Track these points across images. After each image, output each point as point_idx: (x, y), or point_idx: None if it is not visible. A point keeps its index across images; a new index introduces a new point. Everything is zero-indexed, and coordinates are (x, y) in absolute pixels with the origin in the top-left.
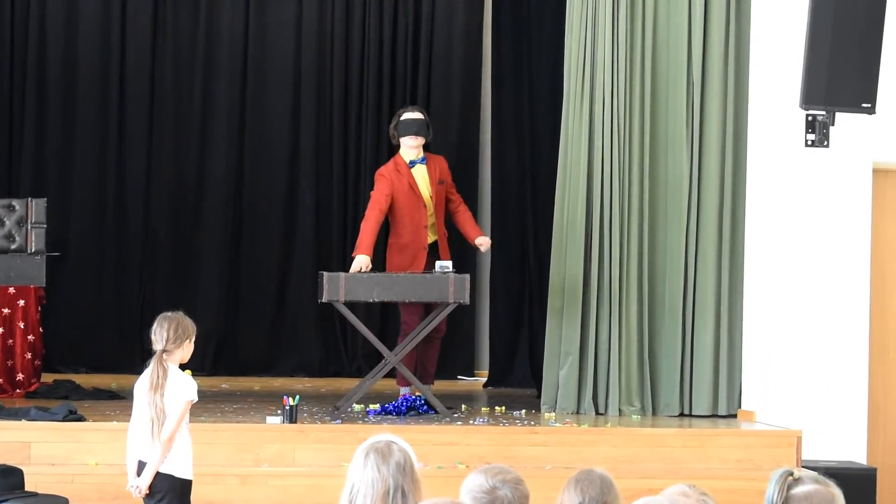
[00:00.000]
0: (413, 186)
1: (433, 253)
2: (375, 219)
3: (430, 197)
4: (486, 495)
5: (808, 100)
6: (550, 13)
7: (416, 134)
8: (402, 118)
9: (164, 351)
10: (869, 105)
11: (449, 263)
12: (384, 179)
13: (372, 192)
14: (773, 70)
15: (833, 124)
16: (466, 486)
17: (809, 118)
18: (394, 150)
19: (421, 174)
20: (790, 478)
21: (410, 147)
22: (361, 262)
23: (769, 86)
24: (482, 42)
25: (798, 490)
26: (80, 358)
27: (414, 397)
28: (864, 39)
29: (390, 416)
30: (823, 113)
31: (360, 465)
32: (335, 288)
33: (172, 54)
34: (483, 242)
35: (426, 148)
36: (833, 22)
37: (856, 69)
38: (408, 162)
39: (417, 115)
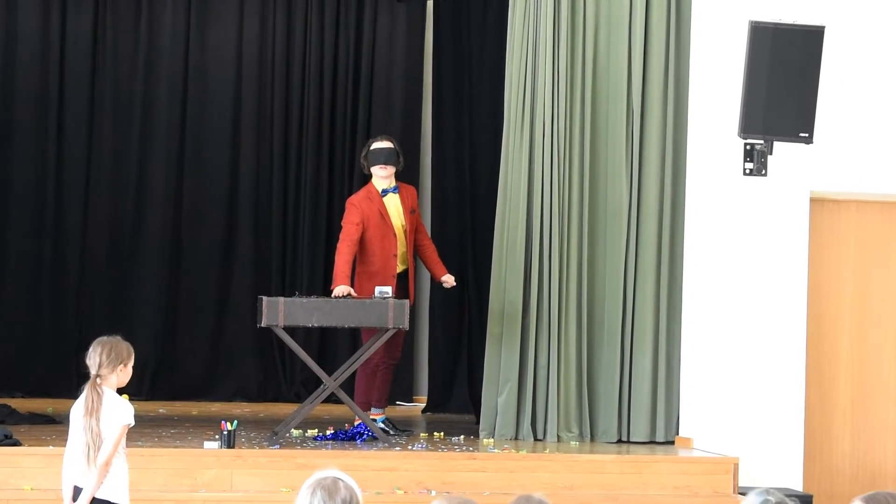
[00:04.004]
0: (384, 215)
1: (402, 282)
2: (348, 250)
3: (402, 226)
4: None
5: (746, 129)
6: (491, 39)
7: (385, 163)
8: (371, 148)
9: (97, 376)
10: (806, 135)
11: (388, 289)
12: (354, 208)
13: (342, 222)
14: (712, 98)
15: (771, 153)
16: None
17: (748, 147)
18: (334, 171)
19: (393, 203)
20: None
21: (381, 176)
22: (343, 290)
23: (708, 114)
24: (423, 67)
25: None
26: (16, 382)
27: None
28: (802, 69)
29: (329, 441)
30: (761, 142)
31: (307, 501)
32: (274, 312)
33: (112, 76)
34: (449, 280)
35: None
36: (771, 52)
37: (793, 99)
38: (380, 191)
39: (386, 145)
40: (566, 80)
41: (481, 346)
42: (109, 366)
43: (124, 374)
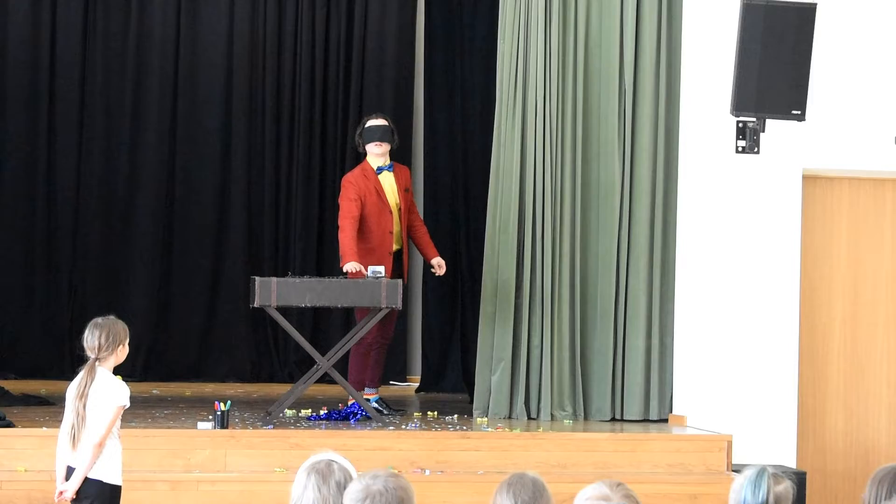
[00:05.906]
0: (380, 192)
1: (396, 261)
2: (351, 226)
3: (397, 204)
4: (361, 493)
5: (738, 106)
6: (483, 19)
7: (380, 140)
8: (366, 125)
9: (96, 359)
10: (799, 112)
11: (382, 268)
12: (350, 185)
13: (340, 201)
14: (705, 76)
15: (763, 131)
16: (348, 491)
17: (740, 125)
18: (326, 152)
19: (388, 181)
20: (771, 476)
21: (376, 154)
22: (354, 267)
23: (700, 92)
24: (415, 49)
25: (780, 488)
26: (9, 363)
27: (355, 405)
28: (795, 47)
29: (323, 421)
30: (754, 119)
31: (302, 485)
32: (267, 293)
33: (103, 59)
34: (440, 264)
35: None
36: (764, 29)
37: (786, 76)
38: (375, 168)
39: (381, 122)
40: (558, 59)
41: (475, 325)
42: (109, 348)
43: (122, 353)
